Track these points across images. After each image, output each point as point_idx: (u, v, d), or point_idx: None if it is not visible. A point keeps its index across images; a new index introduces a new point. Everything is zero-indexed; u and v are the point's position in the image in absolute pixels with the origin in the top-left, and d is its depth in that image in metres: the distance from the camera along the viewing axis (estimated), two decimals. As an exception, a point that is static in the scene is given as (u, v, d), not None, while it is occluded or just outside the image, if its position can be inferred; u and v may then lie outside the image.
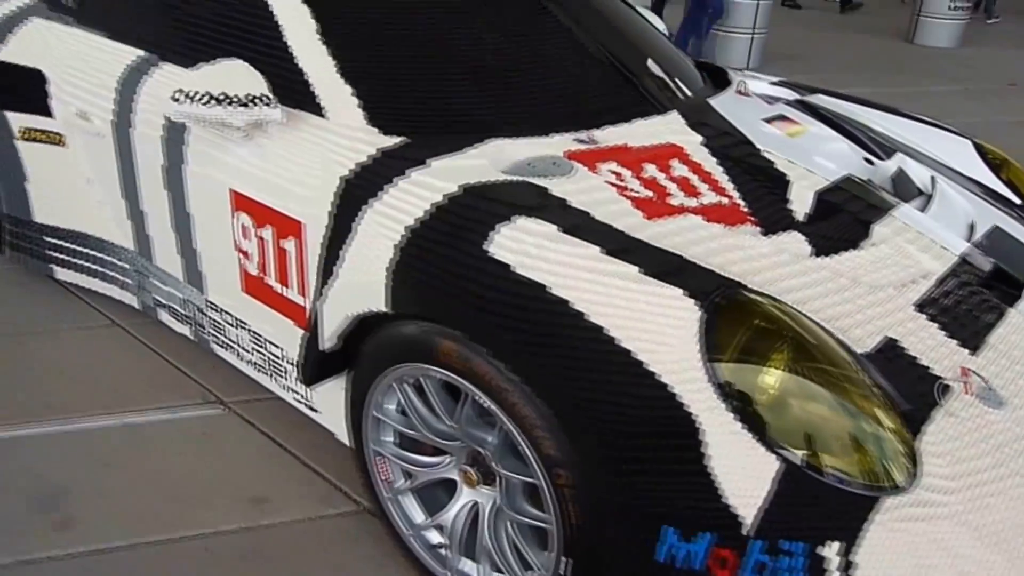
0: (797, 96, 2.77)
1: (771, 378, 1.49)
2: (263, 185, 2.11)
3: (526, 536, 1.72)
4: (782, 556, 1.40)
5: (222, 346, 2.53)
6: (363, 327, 1.86)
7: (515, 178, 1.84)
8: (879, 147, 2.52)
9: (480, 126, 2.08)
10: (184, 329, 2.67)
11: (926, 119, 2.82)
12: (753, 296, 1.58)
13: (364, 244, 1.80)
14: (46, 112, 2.80)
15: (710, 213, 1.89)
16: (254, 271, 2.24)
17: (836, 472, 1.43)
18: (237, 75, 2.08)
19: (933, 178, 2.37)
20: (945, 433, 1.54)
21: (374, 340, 1.81)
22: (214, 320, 2.51)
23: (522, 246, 1.62)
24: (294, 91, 2.12)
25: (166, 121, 2.36)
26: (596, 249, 1.60)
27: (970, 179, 2.49)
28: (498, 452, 1.69)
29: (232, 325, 2.44)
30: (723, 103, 2.51)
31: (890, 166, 2.40)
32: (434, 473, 1.86)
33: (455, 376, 1.65)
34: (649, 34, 2.82)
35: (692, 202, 1.92)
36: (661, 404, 1.44)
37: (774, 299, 1.60)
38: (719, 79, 2.85)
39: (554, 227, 1.65)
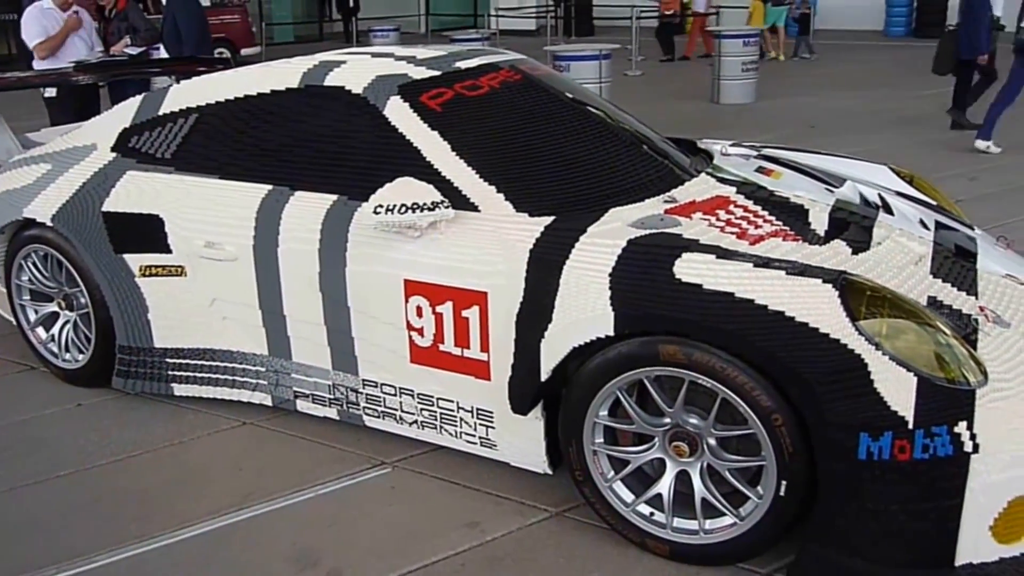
0: (756, 152, 3.67)
1: (888, 324, 2.25)
2: (440, 270, 2.68)
3: (738, 479, 2.38)
4: (935, 437, 2.14)
5: (378, 416, 3.02)
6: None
7: (654, 231, 2.56)
8: (830, 178, 3.44)
9: (594, 201, 2.78)
10: (328, 411, 3.12)
11: (844, 155, 3.81)
12: (855, 277, 2.36)
13: (575, 291, 2.42)
14: (165, 249, 3.20)
15: (778, 236, 2.68)
16: (426, 343, 2.78)
17: (940, 379, 2.21)
18: (415, 188, 2.66)
19: (880, 195, 3.31)
20: (989, 347, 2.37)
21: (597, 360, 2.42)
22: (370, 395, 3.00)
23: (698, 270, 2.32)
24: (447, 195, 2.72)
25: (320, 235, 2.89)
26: (748, 265, 2.33)
27: (898, 192, 3.46)
28: (709, 423, 2.36)
29: (392, 395, 2.95)
30: (722, 163, 3.35)
31: (845, 191, 3.31)
32: (646, 456, 2.49)
33: (679, 369, 2.30)
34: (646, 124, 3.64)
35: (761, 232, 2.69)
36: (837, 353, 2.15)
37: (865, 278, 2.40)
38: (690, 146, 3.71)
39: (711, 255, 2.37)
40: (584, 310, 2.41)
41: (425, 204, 2.63)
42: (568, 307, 2.45)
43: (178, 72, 4.92)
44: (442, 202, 2.65)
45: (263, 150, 3.16)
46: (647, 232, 2.53)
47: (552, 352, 2.49)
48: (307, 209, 2.94)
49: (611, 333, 2.37)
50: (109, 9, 7.04)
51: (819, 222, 2.87)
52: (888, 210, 3.13)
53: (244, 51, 16.68)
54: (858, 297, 2.26)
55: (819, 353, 2.17)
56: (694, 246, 2.42)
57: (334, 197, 2.92)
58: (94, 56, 6.01)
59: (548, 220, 2.65)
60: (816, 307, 2.22)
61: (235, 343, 3.23)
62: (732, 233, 2.62)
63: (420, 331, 2.78)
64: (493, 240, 2.64)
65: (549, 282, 2.48)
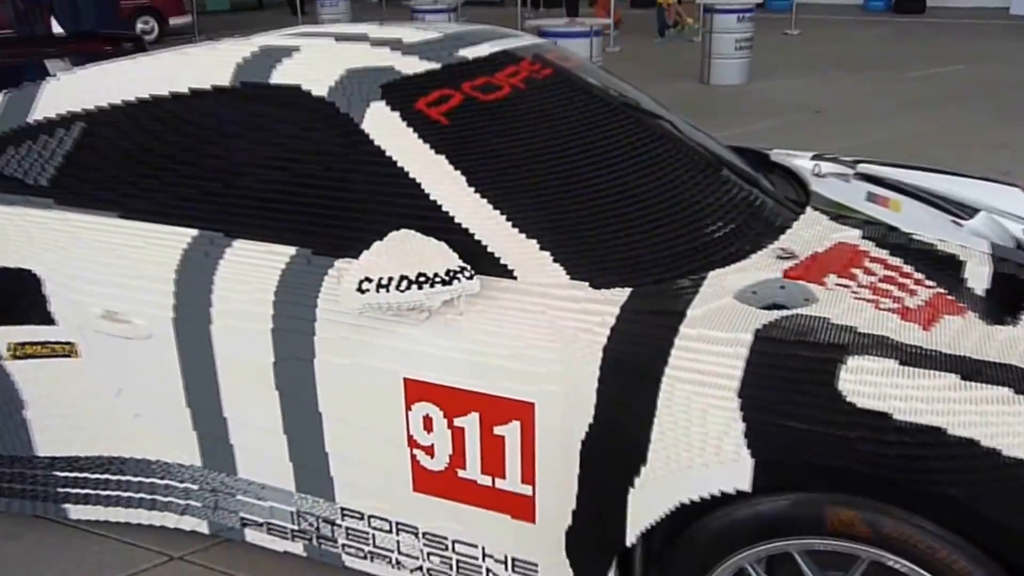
0: (852, 170, 2.91)
1: None
2: (459, 367, 1.88)
3: None
4: None
5: (364, 557, 2.21)
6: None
7: (786, 312, 1.78)
8: (954, 206, 2.70)
9: (682, 260, 2.00)
10: (291, 546, 2.31)
11: (965, 174, 3.07)
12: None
13: (684, 418, 1.65)
14: (46, 320, 2.33)
15: (951, 310, 1.92)
16: (438, 467, 1.99)
17: None
18: (418, 248, 1.85)
19: (1025, 230, 2.59)
20: None
21: (720, 521, 1.66)
22: (352, 529, 2.19)
23: (881, 390, 1.57)
24: (466, 255, 1.91)
25: (272, 308, 2.05)
26: (953, 377, 1.58)
27: (1042, 223, 2.74)
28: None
29: (387, 531, 2.14)
30: (825, 190, 2.58)
31: (982, 226, 2.58)
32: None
33: (856, 544, 1.55)
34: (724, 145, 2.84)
35: (921, 301, 1.95)
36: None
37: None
38: (761, 160, 2.93)
39: (892, 361, 1.61)
40: (702, 449, 1.64)
41: (436, 275, 1.82)
42: (673, 442, 1.67)
43: (74, 53, 3.96)
44: (462, 269, 1.84)
45: (183, 178, 2.29)
46: (777, 316, 1.76)
47: (646, 508, 1.72)
48: (252, 267, 2.11)
49: (747, 488, 1.60)
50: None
51: (979, 279, 2.13)
52: (1054, 253, 2.41)
53: (173, 21, 15.84)
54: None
55: (1086, 527, 1.44)
56: (857, 344, 1.66)
57: (292, 251, 2.09)
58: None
59: (622, 295, 1.86)
60: (1070, 448, 1.48)
61: (154, 450, 2.38)
62: (890, 309, 1.86)
63: (428, 450, 1.99)
64: (542, 325, 1.84)
65: (639, 400, 1.70)
